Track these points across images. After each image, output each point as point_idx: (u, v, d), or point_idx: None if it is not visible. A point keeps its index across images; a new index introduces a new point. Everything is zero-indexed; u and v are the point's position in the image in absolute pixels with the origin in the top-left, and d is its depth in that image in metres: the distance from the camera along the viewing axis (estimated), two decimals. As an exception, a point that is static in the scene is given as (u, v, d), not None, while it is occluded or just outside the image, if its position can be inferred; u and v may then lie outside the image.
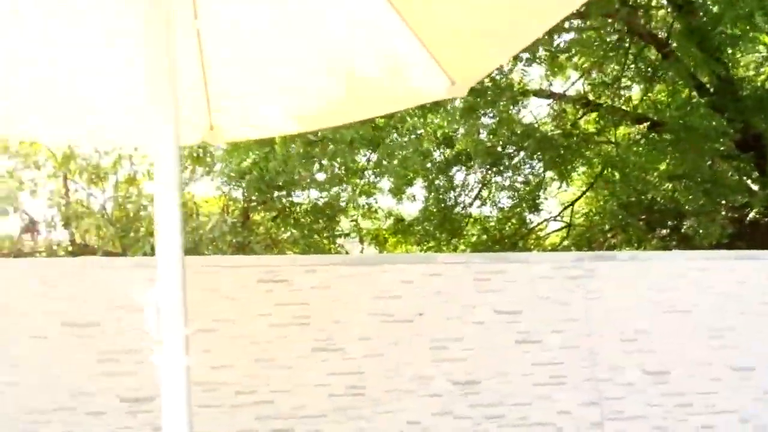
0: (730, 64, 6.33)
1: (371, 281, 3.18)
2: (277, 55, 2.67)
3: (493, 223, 9.19)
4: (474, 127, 7.02)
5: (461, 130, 7.29)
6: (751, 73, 8.48)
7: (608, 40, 7.08)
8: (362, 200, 8.50)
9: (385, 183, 8.16)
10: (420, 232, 9.10)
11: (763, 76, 7.73)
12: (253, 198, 6.51)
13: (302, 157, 5.39)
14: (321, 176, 7.17)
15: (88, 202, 7.50)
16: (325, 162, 5.88)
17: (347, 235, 7.97)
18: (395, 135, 6.12)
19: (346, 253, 8.19)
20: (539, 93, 8.03)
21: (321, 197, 7.03)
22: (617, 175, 6.99)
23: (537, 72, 7.35)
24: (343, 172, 6.44)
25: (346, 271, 3.18)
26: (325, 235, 7.61)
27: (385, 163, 6.33)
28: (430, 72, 2.60)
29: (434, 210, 8.79)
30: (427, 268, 3.23)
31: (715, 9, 5.12)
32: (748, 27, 4.65)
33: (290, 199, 6.85)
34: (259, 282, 3.21)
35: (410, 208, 9.68)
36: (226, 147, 5.77)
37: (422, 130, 6.36)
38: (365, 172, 7.17)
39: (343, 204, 7.30)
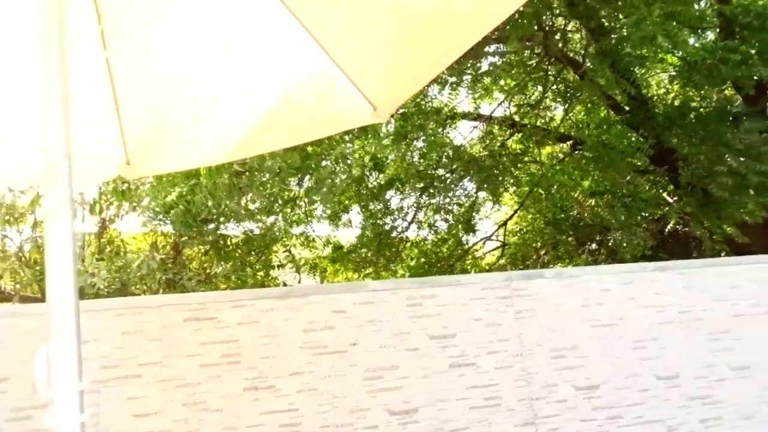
0: (640, 84, 6.70)
1: (301, 313, 3.10)
2: (195, 84, 2.60)
3: (430, 246, 9.26)
4: (404, 151, 7.10)
5: (392, 155, 7.35)
6: (662, 91, 9.03)
7: (528, 63, 7.37)
8: (298, 229, 8.39)
9: (322, 210, 8.09)
10: (358, 258, 9.06)
11: (672, 94, 8.24)
12: (183, 233, 6.29)
13: (229, 188, 5.26)
14: (255, 206, 7.04)
15: (3, 244, 7.06)
16: (252, 193, 5.76)
17: (282, 266, 7.80)
18: (326, 162, 6.08)
19: (284, 284, 8.02)
20: (467, 116, 8.23)
21: (253, 229, 6.87)
22: (544, 194, 7.22)
23: (464, 95, 7.53)
24: (274, 201, 6.32)
25: (274, 305, 3.08)
26: (258, 267, 7.42)
27: (322, 190, 6.27)
28: (351, 98, 2.60)
29: (371, 236, 8.77)
30: (358, 297, 3.18)
31: (624, 31, 5.42)
32: (653, 48, 4.95)
33: (221, 231, 6.66)
34: (186, 321, 3.07)
35: (348, 235, 9.65)
36: (153, 181, 5.57)
37: (351, 158, 6.36)
38: (298, 201, 7.08)
39: (276, 234, 7.15)
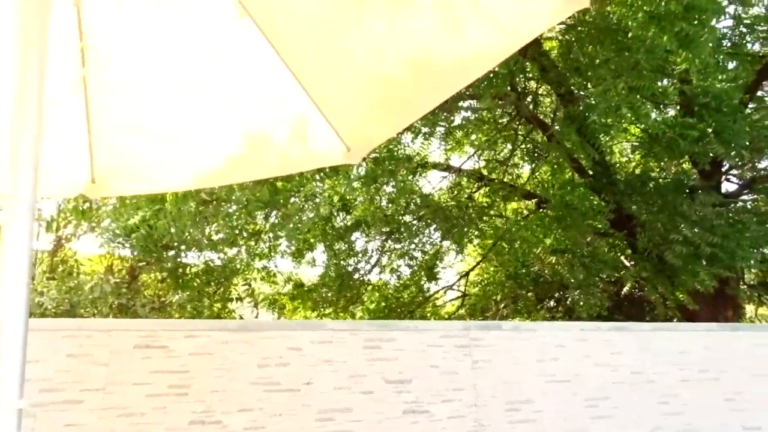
0: (604, 150, 6.97)
1: (256, 348, 3.03)
2: (169, 109, 2.60)
3: (391, 291, 9.24)
4: (373, 194, 7.16)
5: (361, 198, 7.39)
6: (624, 159, 9.40)
7: (500, 121, 7.61)
8: (260, 264, 8.29)
9: (286, 246, 8.03)
10: (318, 297, 8.97)
11: (633, 163, 8.58)
12: (142, 257, 6.14)
13: (194, 216, 5.18)
14: (219, 237, 6.93)
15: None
16: (218, 223, 5.70)
17: (241, 299, 7.66)
18: (295, 198, 6.08)
19: (241, 318, 7.85)
20: (438, 166, 8.38)
21: (214, 259, 6.76)
22: (507, 248, 7.34)
23: (437, 146, 7.71)
24: (238, 233, 6.26)
25: (229, 337, 3.01)
26: (216, 298, 7.27)
27: (288, 226, 6.24)
28: (326, 137, 2.62)
29: (333, 275, 8.72)
30: (316, 335, 3.14)
31: (591, 100, 5.67)
32: (617, 118, 5.18)
33: (181, 260, 6.53)
34: (136, 347, 2.96)
35: (310, 274, 9.57)
36: (116, 203, 5.44)
37: (320, 197, 6.37)
38: (263, 235, 7.02)
39: (238, 267, 7.04)
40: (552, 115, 7.41)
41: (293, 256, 8.79)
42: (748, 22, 9.16)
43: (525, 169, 9.01)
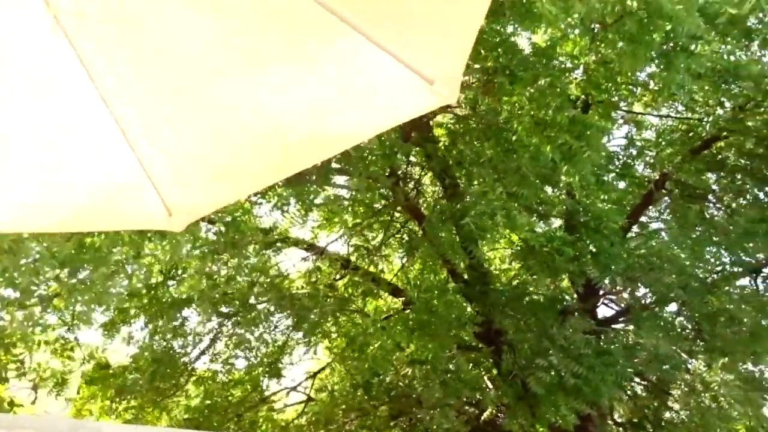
0: (480, 256, 7.40)
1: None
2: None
3: (219, 386, 8.87)
4: (210, 267, 7.01)
5: (192, 270, 7.20)
6: (505, 267, 10.03)
7: (373, 205, 7.88)
8: (56, 332, 7.67)
9: (91, 315, 7.50)
10: (125, 384, 8.38)
11: (511, 273, 9.17)
12: None
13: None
14: (8, 292, 6.34)
15: None
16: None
17: (21, 375, 7.01)
18: (113, 257, 5.79)
19: (10, 404, 7.10)
20: (300, 243, 8.41)
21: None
22: (358, 352, 7.39)
23: (299, 221, 7.74)
24: (23, 293, 5.80)
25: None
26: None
27: (93, 292, 5.87)
28: (146, 197, 2.57)
29: (149, 358, 8.24)
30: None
31: (470, 199, 6.08)
32: (491, 224, 5.58)
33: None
34: None
35: (125, 352, 8.98)
36: None
37: (137, 263, 6.13)
38: (60, 300, 6.54)
39: (17, 333, 6.45)
40: (430, 208, 7.82)
41: (104, 329, 8.24)
42: (639, 144, 10.49)
43: (396, 262, 9.29)
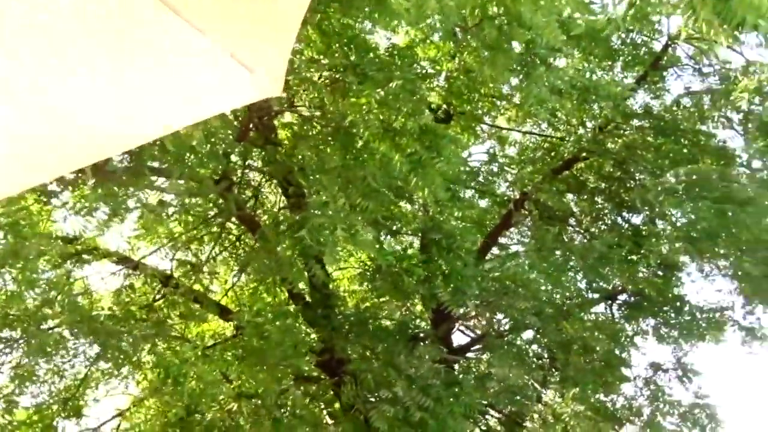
0: (326, 276, 7.20)
1: None
2: None
3: None
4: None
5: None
6: (354, 288, 9.89)
7: (201, 213, 7.46)
8: None
9: None
10: None
11: (358, 295, 9.07)
12: None
13: None
14: None
15: None
16: None
17: None
18: None
19: None
20: (111, 255, 7.77)
21: None
22: (173, 385, 6.89)
23: (115, 228, 7.13)
24: None
25: None
26: None
27: None
28: None
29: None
30: None
31: (311, 211, 5.85)
32: (330, 239, 5.38)
33: None
34: None
35: None
36: None
37: None
38: None
39: None
40: (272, 219, 7.52)
41: None
42: (502, 161, 10.82)
43: (229, 281, 8.89)
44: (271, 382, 6.53)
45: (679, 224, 8.40)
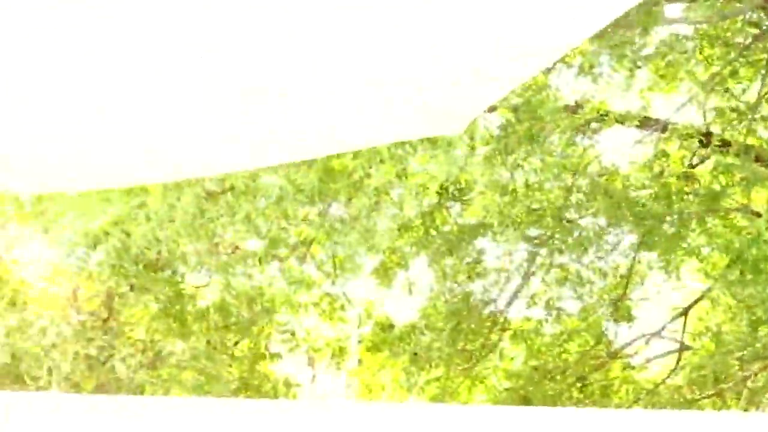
0: None
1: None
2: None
3: (546, 341, 9.24)
4: (493, 175, 7.19)
5: (481, 181, 7.42)
6: None
7: (729, 36, 7.38)
8: (317, 292, 8.53)
9: (358, 259, 8.28)
10: (418, 348, 9.04)
11: None
12: (120, 280, 6.65)
13: (192, 217, 5.57)
14: (253, 244, 7.19)
15: None
16: (235, 226, 6.06)
17: (276, 356, 8.04)
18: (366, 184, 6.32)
19: (286, 385, 8.22)
20: (627, 119, 8.23)
21: (237, 284, 7.12)
22: (756, 271, 7.08)
23: (620, 84, 7.57)
24: (272, 244, 6.61)
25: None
26: (241, 351, 7.72)
27: (354, 229, 6.53)
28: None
29: (442, 311, 8.81)
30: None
31: None
32: None
33: (179, 285, 6.97)
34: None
35: (405, 306, 9.62)
36: (73, 196, 5.92)
37: (403, 185, 6.56)
38: (314, 244, 7.36)
39: (273, 297, 7.42)
40: None
41: (377, 276, 8.95)
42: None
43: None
44: None
45: None
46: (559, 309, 9.11)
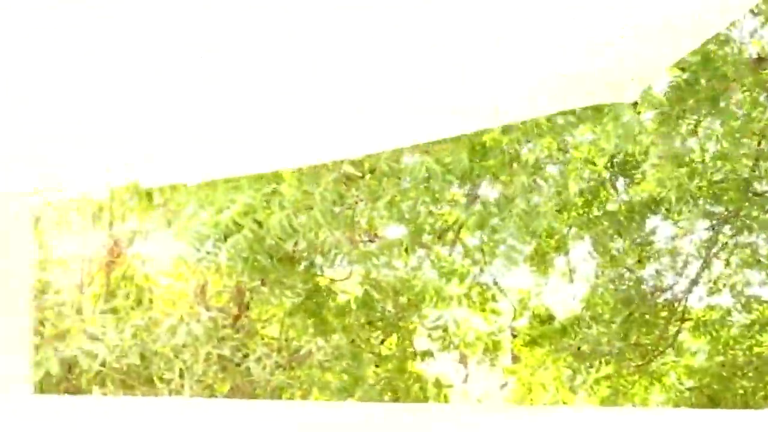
0: None
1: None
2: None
3: (734, 332, 8.95)
4: (671, 145, 7.01)
5: (655, 154, 7.23)
6: None
7: None
8: (468, 279, 8.46)
9: (510, 248, 8.17)
10: (582, 342, 8.95)
11: None
12: (250, 276, 6.69)
13: (332, 203, 5.54)
14: (393, 232, 7.18)
15: None
16: (377, 212, 6.01)
17: (426, 354, 8.01)
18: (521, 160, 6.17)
19: (437, 386, 8.19)
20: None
21: (379, 276, 7.10)
22: None
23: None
24: (418, 230, 6.54)
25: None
26: (387, 349, 7.71)
27: (512, 213, 6.39)
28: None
29: (610, 301, 8.68)
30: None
31: None
32: None
33: (318, 277, 6.98)
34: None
35: (564, 295, 9.55)
36: (199, 185, 6.00)
37: (565, 159, 6.37)
38: (463, 230, 7.27)
39: (421, 288, 7.36)
40: None
41: (532, 263, 8.86)
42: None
43: None
44: None
45: None
46: (748, 296, 8.78)
